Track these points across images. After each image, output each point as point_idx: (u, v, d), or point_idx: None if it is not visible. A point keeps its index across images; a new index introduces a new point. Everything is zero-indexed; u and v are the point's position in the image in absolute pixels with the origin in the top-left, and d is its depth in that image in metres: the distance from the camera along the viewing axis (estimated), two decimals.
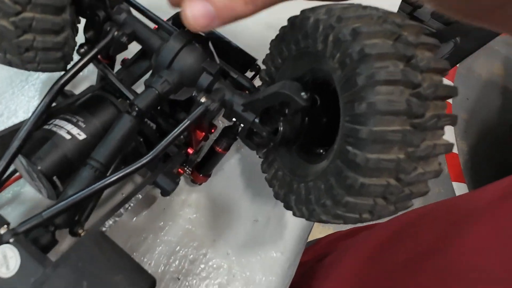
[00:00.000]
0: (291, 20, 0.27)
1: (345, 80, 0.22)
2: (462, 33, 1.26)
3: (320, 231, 1.35)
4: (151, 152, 0.26)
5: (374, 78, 0.20)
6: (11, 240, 0.22)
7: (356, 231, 0.56)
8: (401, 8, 1.16)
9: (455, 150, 1.83)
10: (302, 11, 0.26)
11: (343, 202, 0.23)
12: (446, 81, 0.22)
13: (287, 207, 0.29)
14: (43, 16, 0.26)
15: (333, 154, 0.24)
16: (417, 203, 0.27)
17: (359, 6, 0.25)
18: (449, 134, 1.85)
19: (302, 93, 0.25)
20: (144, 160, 0.26)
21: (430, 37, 0.23)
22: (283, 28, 0.28)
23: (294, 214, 0.28)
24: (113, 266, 0.23)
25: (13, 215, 0.35)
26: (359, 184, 0.21)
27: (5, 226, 0.23)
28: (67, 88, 0.36)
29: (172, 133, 0.27)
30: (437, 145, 0.22)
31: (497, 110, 1.99)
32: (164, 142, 0.27)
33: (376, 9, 0.24)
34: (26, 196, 0.36)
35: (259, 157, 0.32)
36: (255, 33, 0.47)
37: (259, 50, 0.36)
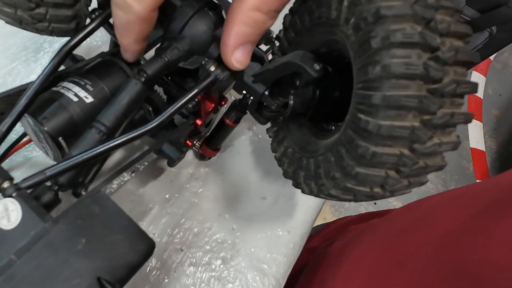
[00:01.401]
0: None
1: (359, 44, 0.21)
2: (499, 22, 1.18)
3: (331, 217, 1.33)
4: (157, 118, 0.26)
5: (389, 40, 0.19)
6: (13, 194, 0.22)
7: (367, 216, 0.55)
8: None
9: (482, 147, 1.78)
10: None
11: (353, 173, 0.22)
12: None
13: (296, 184, 0.28)
14: None
15: (344, 125, 0.23)
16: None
17: None
18: (477, 130, 1.79)
19: (315, 64, 0.24)
20: (149, 126, 0.26)
21: (451, 1, 0.22)
22: (296, 1, 0.27)
23: (303, 191, 0.27)
24: (112, 226, 0.23)
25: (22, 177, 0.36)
26: (371, 153, 0.20)
27: (8, 181, 0.23)
28: (79, 54, 0.36)
29: (180, 100, 0.26)
30: (455, 113, 0.20)
31: None
32: (170, 109, 0.26)
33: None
34: (36, 160, 0.37)
35: (269, 136, 0.31)
36: None
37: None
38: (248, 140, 0.43)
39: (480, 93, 1.92)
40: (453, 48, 0.20)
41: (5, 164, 0.36)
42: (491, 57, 1.89)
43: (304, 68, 0.24)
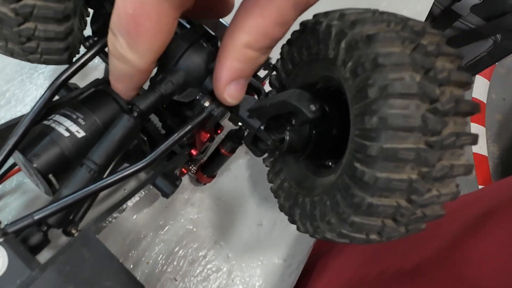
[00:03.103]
0: (303, 24, 0.25)
1: (356, 90, 0.20)
2: (504, 30, 1.17)
3: None
4: (149, 156, 0.25)
5: (387, 90, 0.18)
6: (0, 240, 0.22)
7: None
8: (438, 1, 1.09)
9: (484, 152, 1.76)
10: (315, 15, 0.25)
11: (349, 221, 0.21)
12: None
13: (292, 221, 0.27)
14: (44, 3, 0.25)
15: (341, 169, 0.23)
16: None
17: (375, 11, 0.23)
18: (480, 136, 1.78)
19: (311, 105, 0.24)
20: (141, 164, 0.25)
21: (452, 48, 0.21)
22: (295, 32, 0.27)
23: (298, 229, 0.27)
24: (102, 271, 0.23)
25: (16, 204, 0.35)
26: (367, 204, 0.20)
27: None
28: (72, 80, 0.35)
29: (173, 137, 0.26)
30: (454, 165, 0.20)
31: None
32: (163, 146, 0.26)
33: (395, 15, 0.23)
34: (29, 186, 0.36)
35: (266, 165, 0.31)
36: None
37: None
38: (245, 164, 0.42)
39: (483, 98, 1.91)
40: (453, 100, 0.19)
41: None
42: None
43: (300, 109, 0.24)
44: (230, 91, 0.23)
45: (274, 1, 0.20)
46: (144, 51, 0.22)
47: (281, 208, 0.29)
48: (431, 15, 1.18)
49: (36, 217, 0.23)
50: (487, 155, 1.77)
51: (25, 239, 0.24)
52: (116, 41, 0.22)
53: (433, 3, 0.78)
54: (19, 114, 0.39)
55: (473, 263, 0.30)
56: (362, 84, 0.20)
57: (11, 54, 0.28)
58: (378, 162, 0.19)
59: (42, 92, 0.40)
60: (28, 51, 0.27)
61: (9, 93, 0.40)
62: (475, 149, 1.74)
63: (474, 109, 0.20)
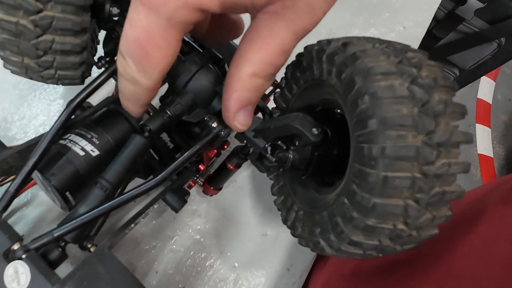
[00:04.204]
0: (308, 49, 0.27)
1: (356, 120, 0.22)
2: (508, 33, 1.17)
3: None
4: (160, 175, 0.27)
5: (386, 123, 0.20)
6: (23, 256, 0.23)
7: None
8: (442, 5, 1.09)
9: (490, 153, 1.76)
10: (319, 42, 0.26)
11: (347, 240, 0.23)
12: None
13: (294, 234, 0.29)
14: (63, 15, 0.26)
15: (340, 189, 0.24)
16: None
17: (377, 41, 0.24)
18: (485, 136, 1.78)
19: (313, 129, 0.25)
20: (153, 182, 0.27)
21: (448, 80, 0.22)
22: (299, 55, 0.28)
23: (300, 243, 0.28)
24: (117, 285, 0.24)
25: (32, 216, 0.37)
26: (364, 225, 0.21)
27: (18, 242, 0.24)
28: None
29: (182, 157, 0.27)
30: (447, 192, 0.21)
31: None
32: (173, 166, 0.27)
33: (395, 45, 0.24)
34: (43, 198, 0.38)
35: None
36: None
37: None
38: (250, 177, 0.43)
39: (489, 98, 1.90)
40: (448, 132, 0.20)
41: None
42: None
43: (303, 133, 0.25)
44: (239, 119, 0.25)
45: (276, 32, 0.22)
46: (152, 73, 0.23)
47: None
48: (435, 19, 1.18)
49: (55, 234, 0.24)
50: (492, 156, 1.77)
51: (45, 254, 0.25)
52: (125, 64, 0.23)
53: (439, 7, 0.78)
54: (32, 129, 0.41)
55: (463, 258, 0.31)
56: (362, 115, 0.21)
57: (26, 71, 0.29)
58: (375, 188, 0.20)
59: (55, 108, 0.42)
60: (44, 65, 0.28)
61: (23, 109, 0.41)
62: (481, 150, 1.74)
63: (467, 139, 0.21)
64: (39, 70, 0.30)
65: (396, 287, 0.34)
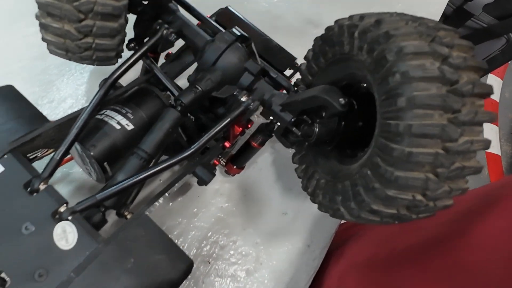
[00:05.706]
0: (339, 23, 0.27)
1: (385, 97, 0.22)
2: None
3: None
4: (193, 146, 0.28)
5: (414, 101, 0.20)
6: (69, 218, 0.25)
7: None
8: (451, 1, 1.09)
9: (497, 151, 1.76)
10: (351, 17, 0.26)
11: (367, 208, 0.24)
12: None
13: (314, 201, 0.30)
14: (102, 23, 0.29)
15: (363, 161, 0.25)
16: None
17: (410, 18, 0.24)
18: (493, 134, 1.77)
19: (340, 99, 0.26)
20: (186, 153, 0.28)
21: (477, 60, 0.22)
22: (329, 29, 0.28)
23: (320, 209, 0.29)
24: (156, 246, 0.26)
25: (63, 192, 0.39)
26: (385, 195, 0.22)
27: (65, 205, 0.25)
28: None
29: (213, 129, 0.29)
30: (466, 167, 0.22)
31: None
32: (205, 137, 0.29)
33: (428, 23, 0.23)
34: (73, 176, 0.39)
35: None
36: (295, 29, 0.48)
37: (298, 46, 0.37)
38: (270, 158, 0.45)
39: (496, 96, 1.89)
40: (473, 112, 0.21)
41: None
42: None
43: (330, 102, 0.26)
44: None
45: None
46: None
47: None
48: (443, 15, 1.18)
49: (98, 198, 0.26)
50: (500, 154, 1.77)
51: (88, 218, 0.27)
52: None
53: (448, 4, 0.78)
54: (61, 111, 0.42)
55: (472, 250, 0.32)
56: (391, 93, 0.21)
57: (66, 52, 0.31)
58: (399, 162, 0.21)
59: (82, 91, 0.44)
60: (85, 58, 0.30)
61: (52, 92, 0.43)
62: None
63: (491, 118, 0.22)
64: (81, 60, 0.32)
65: (406, 277, 0.35)
